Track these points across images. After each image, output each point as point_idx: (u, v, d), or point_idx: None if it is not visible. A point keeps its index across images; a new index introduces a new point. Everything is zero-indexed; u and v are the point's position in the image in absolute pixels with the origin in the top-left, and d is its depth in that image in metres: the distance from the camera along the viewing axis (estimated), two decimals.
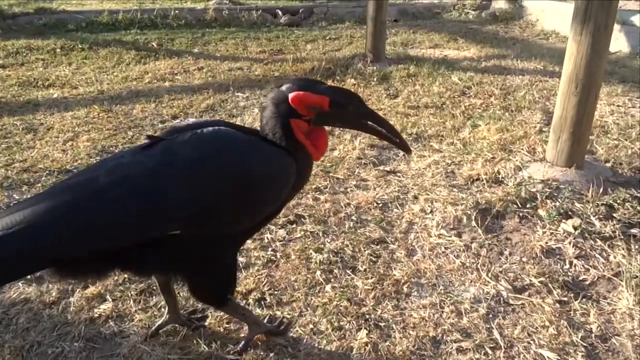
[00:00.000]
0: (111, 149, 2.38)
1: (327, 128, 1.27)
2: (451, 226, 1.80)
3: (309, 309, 1.43)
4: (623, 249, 1.65)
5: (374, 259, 1.64)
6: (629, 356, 1.27)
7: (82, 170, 1.22)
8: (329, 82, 3.32)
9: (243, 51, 4.27)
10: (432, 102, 2.95)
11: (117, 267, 1.15)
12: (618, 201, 1.86)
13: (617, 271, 1.56)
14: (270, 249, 1.68)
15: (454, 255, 1.66)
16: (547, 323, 1.37)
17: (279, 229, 1.78)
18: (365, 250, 1.67)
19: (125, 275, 1.54)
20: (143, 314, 1.40)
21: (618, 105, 2.85)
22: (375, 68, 3.54)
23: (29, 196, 1.87)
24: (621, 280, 1.52)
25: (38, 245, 0.97)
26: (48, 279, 1.43)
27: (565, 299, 1.47)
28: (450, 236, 1.75)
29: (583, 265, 1.60)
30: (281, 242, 1.72)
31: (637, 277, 1.53)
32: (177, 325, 1.37)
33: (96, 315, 1.40)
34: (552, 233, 1.74)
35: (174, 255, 1.13)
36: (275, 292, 1.49)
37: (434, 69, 3.49)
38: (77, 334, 1.33)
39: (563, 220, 1.79)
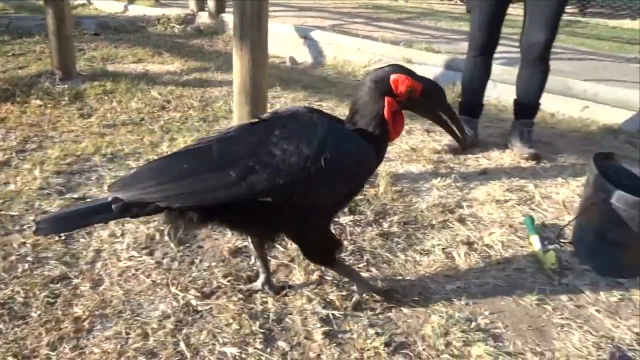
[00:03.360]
0: None
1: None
2: (143, 245, 1.76)
3: None
4: None
5: (51, 300, 1.48)
6: (298, 330, 1.45)
7: (202, 138, 1.43)
8: (8, 105, 2.91)
9: None
10: (129, 119, 2.85)
11: (216, 221, 1.36)
12: None
13: (293, 257, 1.77)
14: None
15: (145, 275, 1.62)
16: (230, 320, 1.45)
17: None
18: (41, 293, 1.49)
19: None
20: None
21: None
22: (66, 86, 3.24)
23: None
24: (295, 265, 1.73)
25: (155, 197, 1.23)
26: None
27: (250, 292, 1.59)
28: (141, 256, 1.71)
29: None
30: None
31: None
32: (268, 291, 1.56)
33: None
34: None
35: (265, 220, 1.33)
36: None
37: (132, 84, 3.40)
38: None
39: None
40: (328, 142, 1.28)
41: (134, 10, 6.48)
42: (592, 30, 8.06)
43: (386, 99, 1.34)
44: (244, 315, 1.48)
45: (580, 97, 3.42)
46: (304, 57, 4.83)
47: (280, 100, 3.40)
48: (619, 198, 1.63)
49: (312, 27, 5.40)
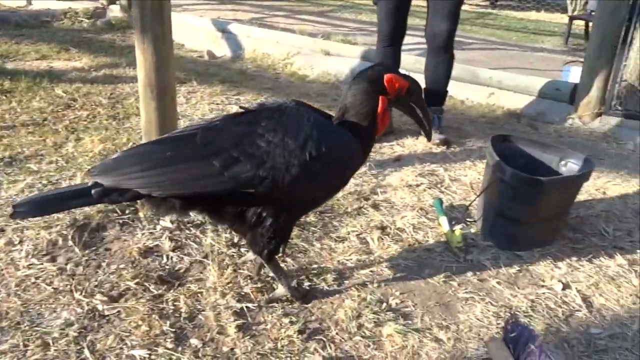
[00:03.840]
0: None
1: None
2: (44, 252, 1.66)
3: None
4: (213, 230, 1.85)
5: None
6: (211, 326, 1.43)
7: (186, 127, 1.41)
8: None
9: None
10: (31, 119, 2.67)
11: (196, 209, 1.37)
12: None
13: (207, 252, 1.74)
14: None
15: (46, 283, 1.53)
16: (139, 322, 1.41)
17: None
18: None
19: None
20: None
21: (217, 104, 3.21)
22: None
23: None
24: (209, 260, 1.70)
25: (137, 184, 1.24)
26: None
27: (160, 291, 1.54)
28: (42, 264, 1.61)
29: (179, 256, 1.72)
30: None
31: (223, 252, 1.74)
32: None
33: None
34: (150, 233, 1.82)
35: (245, 210, 1.33)
36: None
37: (34, 82, 3.18)
38: None
39: (161, 218, 1.89)
40: (314, 136, 1.28)
41: (38, 4, 6.05)
42: (502, 21, 8.55)
43: (380, 97, 1.40)
44: (154, 316, 1.44)
45: (486, 85, 3.62)
46: (223, 50, 4.75)
47: (197, 95, 3.32)
48: (513, 176, 1.74)
49: (231, 20, 5.31)
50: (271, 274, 1.57)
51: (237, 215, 1.37)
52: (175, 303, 1.50)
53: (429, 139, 1.63)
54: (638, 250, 1.92)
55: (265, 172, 1.24)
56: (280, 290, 1.54)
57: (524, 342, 1.22)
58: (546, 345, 1.37)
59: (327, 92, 3.71)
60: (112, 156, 1.36)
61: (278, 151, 1.25)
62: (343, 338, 1.42)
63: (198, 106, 3.11)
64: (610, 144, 3.06)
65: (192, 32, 5.00)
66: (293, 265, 1.71)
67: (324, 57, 4.25)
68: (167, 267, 1.67)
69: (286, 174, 1.26)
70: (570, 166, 1.90)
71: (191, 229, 1.85)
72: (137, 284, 1.56)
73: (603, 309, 1.60)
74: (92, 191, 1.25)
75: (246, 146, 1.25)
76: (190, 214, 1.49)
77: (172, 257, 1.71)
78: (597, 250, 1.91)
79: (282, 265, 1.61)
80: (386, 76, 1.40)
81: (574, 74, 3.68)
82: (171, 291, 1.55)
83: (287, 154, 1.25)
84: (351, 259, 1.77)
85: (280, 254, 1.50)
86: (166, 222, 1.87)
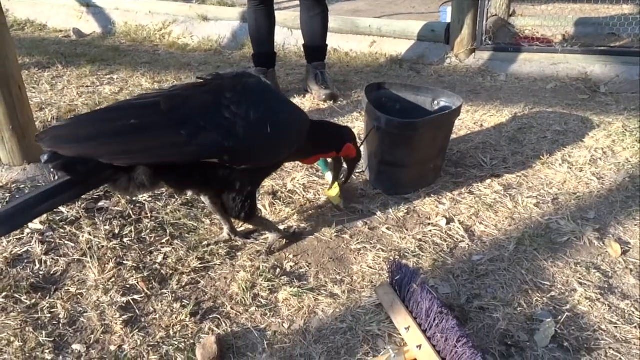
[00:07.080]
0: None
1: None
2: None
3: None
4: (90, 225, 1.72)
5: None
6: (95, 327, 1.33)
7: (144, 94, 1.39)
8: None
9: None
10: None
11: (162, 181, 1.33)
12: None
13: (85, 250, 1.61)
14: None
15: None
16: (12, 339, 1.28)
17: None
18: None
19: None
20: None
21: (87, 86, 2.95)
22: None
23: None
24: (88, 258, 1.58)
25: (100, 152, 1.15)
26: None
27: (34, 301, 1.41)
28: None
29: (53, 258, 1.58)
30: None
31: (103, 247, 1.62)
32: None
33: None
34: (18, 239, 1.64)
35: (211, 179, 1.37)
36: None
37: None
38: None
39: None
40: (273, 107, 1.40)
41: None
42: None
43: (334, 152, 1.69)
44: (28, 328, 1.32)
45: (367, 34, 3.64)
46: (91, 27, 4.36)
47: (63, 80, 3.03)
48: (387, 123, 1.77)
49: None
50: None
51: (204, 184, 1.42)
52: (52, 310, 1.38)
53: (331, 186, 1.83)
54: (511, 175, 2.06)
55: (230, 142, 1.28)
56: (271, 236, 1.62)
57: (407, 283, 1.26)
58: (427, 282, 1.43)
59: (209, 60, 3.55)
60: (61, 123, 1.25)
61: (244, 122, 1.29)
62: (238, 312, 1.39)
63: (65, 92, 2.84)
64: (485, 77, 3.22)
65: (54, 11, 4.54)
66: (182, 247, 1.64)
67: (203, 23, 4.05)
68: (41, 272, 1.53)
69: (249, 144, 1.33)
70: (442, 105, 1.97)
71: (65, 227, 1.71)
72: (5, 297, 1.41)
73: (484, 235, 1.70)
74: (50, 166, 1.13)
75: (213, 116, 1.27)
76: (154, 188, 1.42)
77: (45, 261, 1.57)
78: (476, 181, 2.02)
79: (262, 215, 1.73)
80: (347, 145, 1.68)
81: (450, 14, 3.80)
82: (47, 298, 1.43)
83: (250, 126, 1.30)
84: (243, 230, 1.73)
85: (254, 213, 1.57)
86: (35, 223, 1.71)
